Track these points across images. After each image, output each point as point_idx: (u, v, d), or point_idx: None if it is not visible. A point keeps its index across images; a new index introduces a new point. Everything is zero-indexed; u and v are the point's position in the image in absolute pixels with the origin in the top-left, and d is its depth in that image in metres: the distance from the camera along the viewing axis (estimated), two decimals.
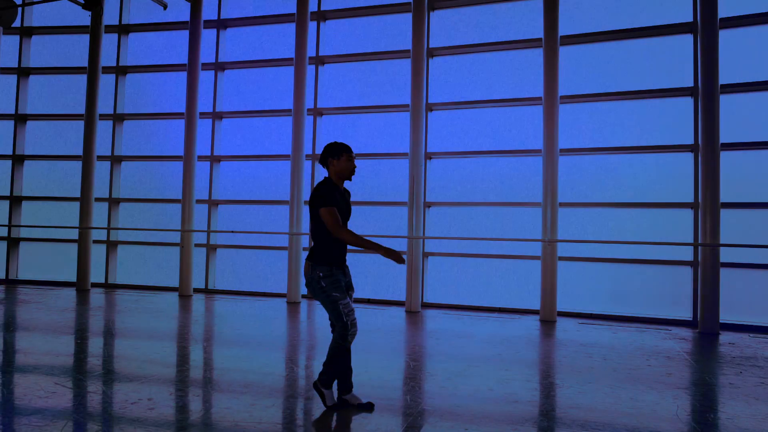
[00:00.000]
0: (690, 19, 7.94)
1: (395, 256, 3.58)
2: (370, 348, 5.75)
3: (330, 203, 3.64)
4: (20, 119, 11.35)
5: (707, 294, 7.23)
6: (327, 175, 3.85)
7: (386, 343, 6.05)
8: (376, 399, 3.98)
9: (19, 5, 10.10)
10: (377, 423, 3.51)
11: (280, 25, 10.18)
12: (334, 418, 3.61)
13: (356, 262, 9.47)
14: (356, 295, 9.24)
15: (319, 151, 9.83)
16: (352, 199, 4.07)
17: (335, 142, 3.83)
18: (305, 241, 9.55)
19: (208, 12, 10.36)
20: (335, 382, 3.88)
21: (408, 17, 9.04)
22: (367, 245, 3.57)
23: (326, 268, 3.68)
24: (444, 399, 4.05)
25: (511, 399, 4.08)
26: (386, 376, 4.70)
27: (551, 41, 8.14)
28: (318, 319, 7.61)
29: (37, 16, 11.48)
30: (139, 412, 3.62)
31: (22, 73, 11.37)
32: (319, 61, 9.88)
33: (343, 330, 3.65)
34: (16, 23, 10.92)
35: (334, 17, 9.97)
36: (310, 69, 9.55)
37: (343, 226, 3.66)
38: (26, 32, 11.40)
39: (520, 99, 8.80)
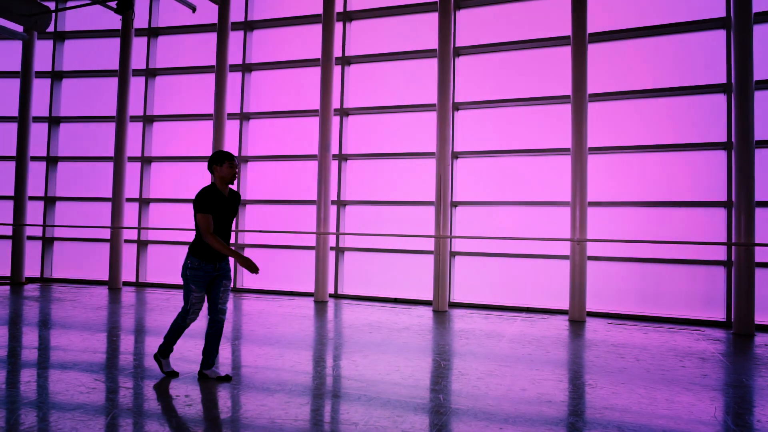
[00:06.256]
0: (723, 14, 7.79)
1: (248, 264, 4.17)
2: (399, 347, 5.77)
3: (205, 210, 4.19)
4: (54, 122, 11.63)
5: (742, 294, 7.08)
6: (212, 181, 4.38)
7: (415, 343, 6.07)
8: (408, 398, 4.00)
9: (53, 11, 10.34)
10: (412, 421, 3.52)
11: (307, 26, 10.26)
12: (370, 417, 3.62)
13: (383, 261, 9.54)
14: (383, 294, 9.31)
15: (345, 150, 9.88)
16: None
17: (219, 151, 4.38)
18: (332, 241, 9.61)
19: (236, 14, 10.48)
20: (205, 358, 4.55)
21: (434, 17, 9.03)
22: (226, 251, 4.19)
23: (197, 261, 4.28)
24: (476, 399, 4.05)
25: (545, 399, 4.06)
26: (417, 375, 4.72)
27: (579, 39, 8.06)
28: (345, 318, 7.65)
29: (69, 20, 11.75)
30: (178, 408, 3.70)
31: (56, 76, 11.65)
32: (346, 61, 9.93)
33: (185, 313, 4.41)
34: (50, 28, 11.18)
35: (359, 18, 10.01)
36: (336, 69, 9.61)
37: (210, 233, 4.18)
38: (59, 36, 11.68)
39: (548, 97, 8.72)
